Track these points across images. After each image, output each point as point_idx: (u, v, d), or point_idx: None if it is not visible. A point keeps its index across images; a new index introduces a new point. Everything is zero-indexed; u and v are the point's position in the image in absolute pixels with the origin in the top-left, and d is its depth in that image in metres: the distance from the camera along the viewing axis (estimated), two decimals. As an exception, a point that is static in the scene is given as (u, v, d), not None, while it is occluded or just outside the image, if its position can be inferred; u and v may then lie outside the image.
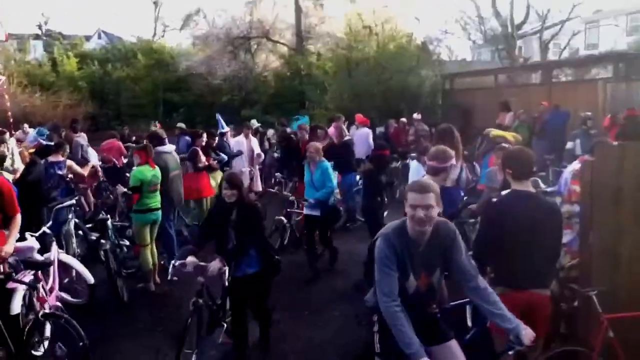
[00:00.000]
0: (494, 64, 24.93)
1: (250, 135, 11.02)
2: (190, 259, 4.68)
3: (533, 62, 23.24)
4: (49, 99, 20.86)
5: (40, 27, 38.07)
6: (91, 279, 5.86)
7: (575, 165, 4.97)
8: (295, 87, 21.42)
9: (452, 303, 4.28)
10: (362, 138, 11.54)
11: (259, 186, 10.82)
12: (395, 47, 17.99)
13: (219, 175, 8.79)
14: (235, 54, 24.02)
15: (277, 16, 24.34)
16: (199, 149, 8.70)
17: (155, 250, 6.89)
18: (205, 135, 9.26)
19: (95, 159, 10.20)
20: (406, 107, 16.37)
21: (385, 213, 7.48)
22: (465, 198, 5.87)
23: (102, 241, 6.55)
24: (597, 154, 4.26)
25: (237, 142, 10.61)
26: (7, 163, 7.17)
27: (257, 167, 10.99)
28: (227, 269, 4.77)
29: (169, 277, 5.00)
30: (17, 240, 4.79)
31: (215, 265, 4.69)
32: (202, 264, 4.70)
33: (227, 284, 4.87)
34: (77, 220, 7.06)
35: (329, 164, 6.96)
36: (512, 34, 24.86)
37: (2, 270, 4.41)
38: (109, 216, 7.02)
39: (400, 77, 17.10)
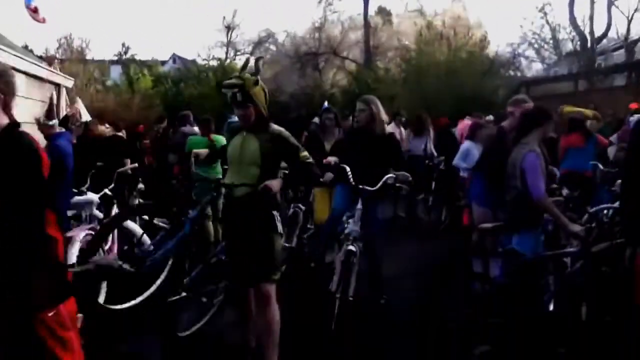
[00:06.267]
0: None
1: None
2: None
3: (617, 63, 21.63)
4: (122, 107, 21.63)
5: (120, 55, 39.92)
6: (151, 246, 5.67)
7: None
8: (363, 103, 21.20)
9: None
10: None
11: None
12: (466, 53, 17.40)
13: None
14: (304, 70, 24.15)
15: (345, 33, 24.39)
16: None
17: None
18: None
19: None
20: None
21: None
22: None
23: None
24: None
25: None
26: None
27: None
28: None
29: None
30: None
31: None
32: None
33: None
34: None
35: None
36: (591, 48, 23.59)
37: None
38: None
39: (473, 83, 16.45)
